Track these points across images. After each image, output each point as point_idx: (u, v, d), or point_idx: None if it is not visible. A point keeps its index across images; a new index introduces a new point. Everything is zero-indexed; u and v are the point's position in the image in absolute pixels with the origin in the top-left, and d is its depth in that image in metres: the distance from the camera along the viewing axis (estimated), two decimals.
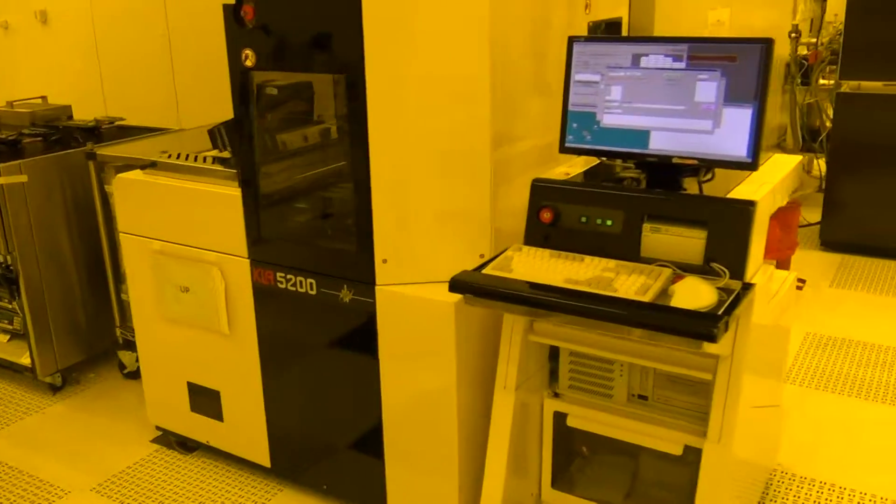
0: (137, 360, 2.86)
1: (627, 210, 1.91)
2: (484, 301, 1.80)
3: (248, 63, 2.14)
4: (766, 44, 1.82)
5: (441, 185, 2.05)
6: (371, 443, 2.26)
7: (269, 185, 2.27)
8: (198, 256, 2.43)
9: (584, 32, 2.42)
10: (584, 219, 1.96)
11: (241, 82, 2.18)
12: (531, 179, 2.01)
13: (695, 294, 1.68)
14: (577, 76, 2.05)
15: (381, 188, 2.04)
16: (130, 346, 3.15)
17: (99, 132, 3.43)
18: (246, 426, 2.53)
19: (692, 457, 1.93)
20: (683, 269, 1.82)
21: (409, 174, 2.04)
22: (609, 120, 2.02)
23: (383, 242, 2.08)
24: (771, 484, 2.54)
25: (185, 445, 2.80)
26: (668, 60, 1.93)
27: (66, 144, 3.24)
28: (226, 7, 2.12)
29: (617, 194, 1.93)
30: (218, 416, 2.59)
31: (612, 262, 1.83)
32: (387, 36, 1.94)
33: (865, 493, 2.49)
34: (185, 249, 2.46)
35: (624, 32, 2.69)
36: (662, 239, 1.88)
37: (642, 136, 1.97)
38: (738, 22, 4.16)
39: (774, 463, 2.61)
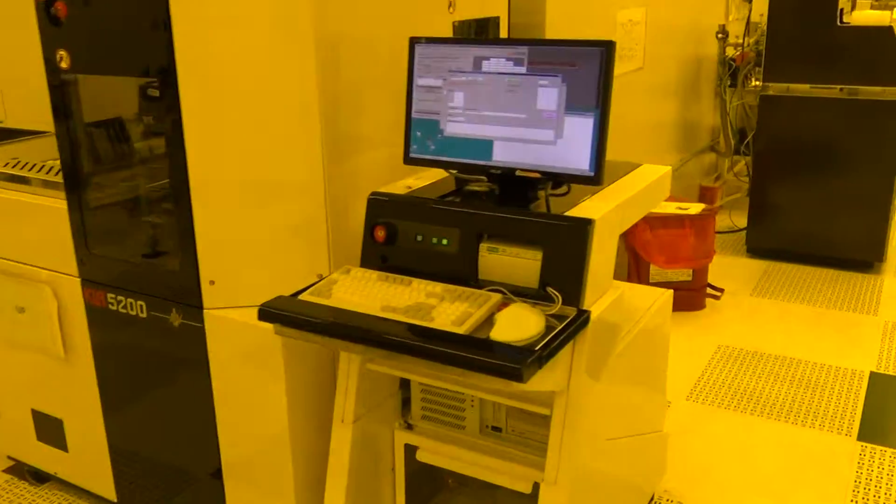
0: None
1: (463, 228, 1.74)
2: (291, 331, 1.62)
3: (64, 65, 1.95)
4: (606, 47, 1.66)
5: (271, 200, 1.87)
6: (213, 473, 2.08)
7: (95, 199, 2.08)
8: (31, 275, 2.24)
9: (449, 33, 2.25)
10: (419, 237, 1.79)
11: (57, 86, 1.98)
12: None
13: (517, 324, 1.52)
14: (419, 81, 1.88)
15: (203, 203, 1.86)
16: None
17: None
18: (90, 456, 2.34)
19: None
20: (520, 293, 1.66)
21: (234, 188, 1.86)
22: (452, 128, 1.85)
23: (209, 263, 1.90)
24: None
25: (37, 476, 2.60)
26: (510, 65, 1.77)
27: None
28: (38, 3, 1.93)
29: (452, 211, 1.76)
30: (63, 445, 2.40)
31: (439, 287, 1.66)
32: (200, 38, 1.75)
33: None
34: (18, 267, 2.27)
35: (503, 33, 2.52)
36: (499, 260, 1.72)
37: (485, 146, 1.81)
38: (659, 21, 4.02)
39: (658, 490, 2.46)
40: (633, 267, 3.75)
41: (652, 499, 2.44)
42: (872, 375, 3.13)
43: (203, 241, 1.88)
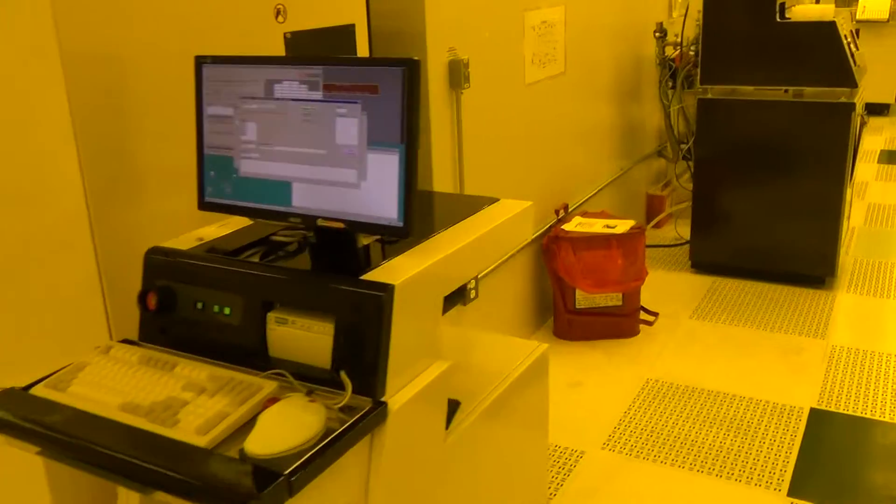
0: None
1: (246, 294, 1.40)
2: (9, 439, 1.27)
3: None
4: (409, 66, 1.32)
5: (25, 261, 1.53)
6: None
7: None
8: None
9: (279, 49, 1.91)
10: (199, 305, 1.45)
11: None
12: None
13: (282, 428, 1.17)
14: (208, 109, 1.54)
15: None
16: None
17: None
18: None
19: None
20: (310, 377, 1.32)
21: None
22: (247, 167, 1.51)
23: None
24: None
25: None
26: (303, 89, 1.43)
27: None
28: None
29: (231, 272, 1.42)
30: None
31: (205, 373, 1.31)
32: None
33: None
34: None
35: (362, 43, 2.17)
36: (290, 334, 1.38)
37: (283, 189, 1.47)
38: (583, 21, 3.68)
39: None
40: (558, 293, 3.42)
41: None
42: (812, 413, 2.81)
43: None
